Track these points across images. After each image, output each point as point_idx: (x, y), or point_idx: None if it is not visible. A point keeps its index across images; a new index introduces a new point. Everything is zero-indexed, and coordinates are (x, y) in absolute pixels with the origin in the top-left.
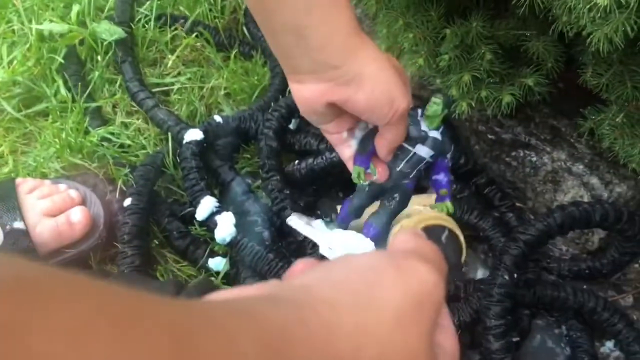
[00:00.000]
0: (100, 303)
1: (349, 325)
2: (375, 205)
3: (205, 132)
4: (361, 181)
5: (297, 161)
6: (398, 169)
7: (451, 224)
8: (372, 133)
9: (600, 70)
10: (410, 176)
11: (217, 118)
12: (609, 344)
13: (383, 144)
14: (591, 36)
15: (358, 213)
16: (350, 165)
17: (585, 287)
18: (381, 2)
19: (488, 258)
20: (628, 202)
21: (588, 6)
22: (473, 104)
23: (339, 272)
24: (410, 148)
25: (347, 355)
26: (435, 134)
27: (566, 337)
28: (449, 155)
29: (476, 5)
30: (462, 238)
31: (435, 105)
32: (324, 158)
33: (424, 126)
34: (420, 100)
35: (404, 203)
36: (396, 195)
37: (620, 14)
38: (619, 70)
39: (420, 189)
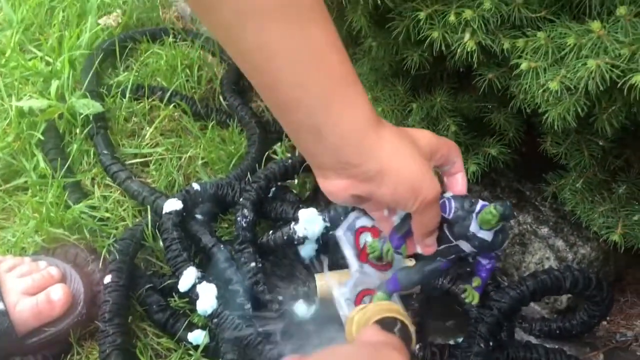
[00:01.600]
0: None
1: None
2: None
3: (184, 200)
4: (389, 258)
5: (271, 231)
6: (438, 249)
7: (402, 316)
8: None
9: (559, 140)
10: (448, 258)
11: (195, 186)
12: None
13: (416, 228)
14: (546, 115)
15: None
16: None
17: (557, 347)
18: None
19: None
20: (592, 263)
21: (541, 90)
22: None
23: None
24: (452, 239)
25: None
26: (485, 235)
27: None
28: (497, 253)
29: (440, 80)
30: (412, 329)
31: (491, 215)
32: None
33: (474, 225)
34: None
35: (429, 278)
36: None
37: (570, 96)
38: (576, 139)
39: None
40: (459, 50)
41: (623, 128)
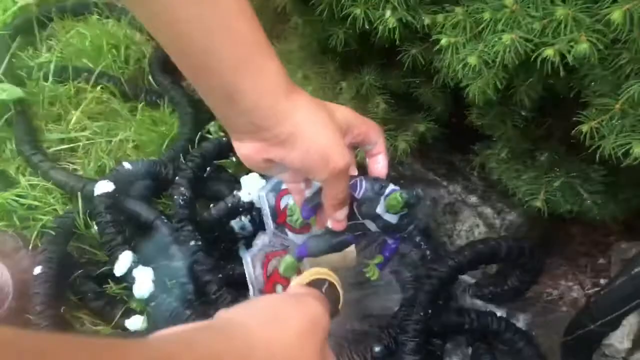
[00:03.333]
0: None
1: (262, 340)
2: None
3: (115, 182)
4: (296, 227)
5: (212, 204)
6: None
7: (331, 278)
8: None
9: (483, 112)
10: (355, 233)
11: (126, 165)
12: None
13: (327, 198)
14: (467, 89)
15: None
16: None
17: (488, 309)
18: (280, 55)
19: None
20: (519, 228)
21: (461, 64)
22: None
23: (251, 306)
24: (359, 217)
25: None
26: (390, 218)
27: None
28: (404, 235)
29: (368, 56)
30: (340, 289)
31: (396, 201)
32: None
33: (381, 208)
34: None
35: (334, 248)
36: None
37: (489, 70)
38: (499, 110)
39: None
40: (380, 27)
41: (542, 98)
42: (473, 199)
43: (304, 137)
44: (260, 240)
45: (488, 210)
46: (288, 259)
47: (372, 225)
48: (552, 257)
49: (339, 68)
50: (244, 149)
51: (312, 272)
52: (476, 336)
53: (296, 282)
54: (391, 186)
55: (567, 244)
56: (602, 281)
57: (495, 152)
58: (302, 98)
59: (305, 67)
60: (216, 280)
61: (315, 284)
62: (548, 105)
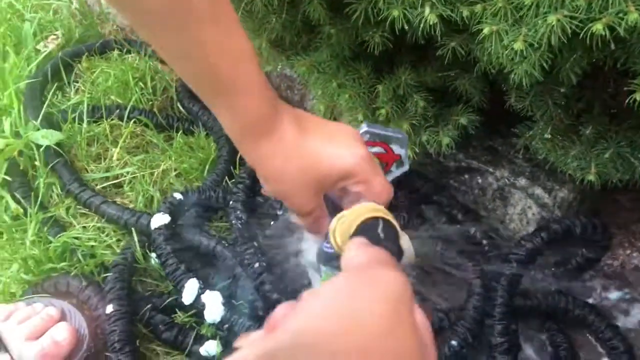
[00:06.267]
0: None
1: (347, 347)
2: None
3: (170, 213)
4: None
5: (272, 222)
6: None
7: (383, 213)
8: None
9: (522, 94)
10: None
11: (177, 195)
12: None
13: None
14: (512, 74)
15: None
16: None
17: (554, 289)
18: (312, 67)
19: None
20: (571, 204)
21: (506, 51)
22: (417, 150)
23: (318, 305)
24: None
25: None
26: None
27: (548, 340)
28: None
29: (400, 55)
30: (396, 224)
31: (325, 274)
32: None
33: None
34: None
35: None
36: None
37: (534, 52)
38: (539, 90)
39: None
40: (421, 25)
41: (583, 73)
42: (522, 181)
43: (273, 172)
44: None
45: (539, 191)
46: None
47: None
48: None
49: (372, 72)
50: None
51: (357, 214)
52: (545, 316)
53: (345, 234)
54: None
55: (617, 213)
56: None
57: (537, 132)
58: (279, 123)
59: (338, 76)
60: (286, 297)
61: (368, 227)
62: (586, 79)
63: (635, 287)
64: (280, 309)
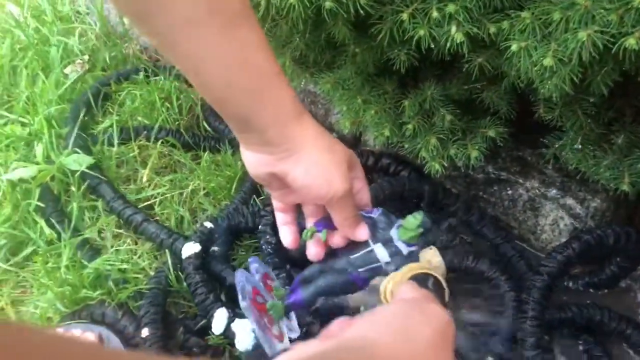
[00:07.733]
0: None
1: (397, 356)
2: None
3: (201, 242)
4: (306, 239)
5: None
6: (352, 257)
7: (432, 271)
8: None
9: (551, 105)
10: (359, 270)
11: (208, 224)
12: None
13: (337, 224)
14: (541, 88)
15: (307, 282)
16: (280, 230)
17: (588, 302)
18: (336, 84)
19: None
20: (604, 214)
21: (535, 67)
22: (445, 164)
23: (376, 320)
24: (371, 243)
25: None
26: (402, 246)
27: (584, 354)
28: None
29: (425, 70)
30: (444, 283)
31: (414, 218)
32: None
33: (395, 233)
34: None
35: (339, 290)
36: (334, 277)
37: (564, 67)
38: (569, 100)
39: None
40: (447, 44)
41: (614, 83)
42: (553, 192)
43: (309, 157)
44: None
45: (570, 201)
46: (278, 303)
47: (381, 252)
48: None
49: (397, 87)
50: (250, 157)
51: (409, 269)
52: (581, 329)
53: (398, 277)
54: (400, 220)
55: None
56: None
57: (567, 142)
58: (311, 124)
59: (363, 92)
60: (318, 320)
61: (419, 280)
62: (616, 87)
63: None
64: (337, 323)
